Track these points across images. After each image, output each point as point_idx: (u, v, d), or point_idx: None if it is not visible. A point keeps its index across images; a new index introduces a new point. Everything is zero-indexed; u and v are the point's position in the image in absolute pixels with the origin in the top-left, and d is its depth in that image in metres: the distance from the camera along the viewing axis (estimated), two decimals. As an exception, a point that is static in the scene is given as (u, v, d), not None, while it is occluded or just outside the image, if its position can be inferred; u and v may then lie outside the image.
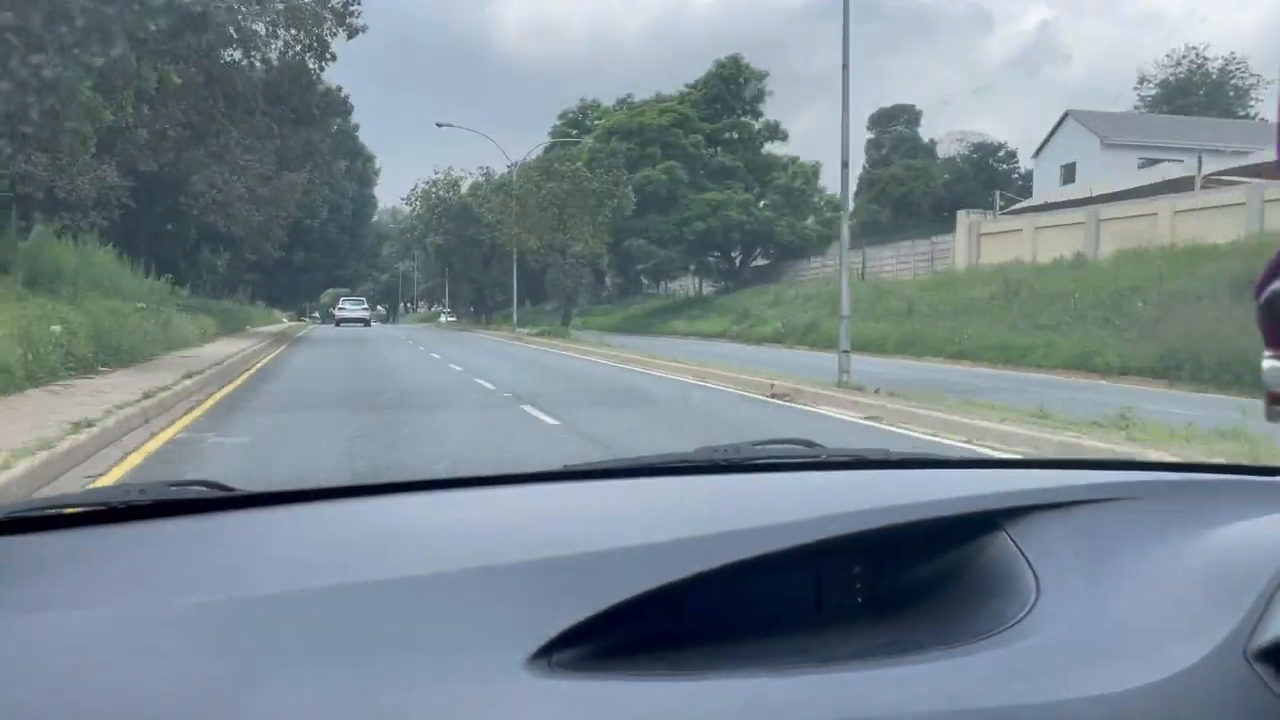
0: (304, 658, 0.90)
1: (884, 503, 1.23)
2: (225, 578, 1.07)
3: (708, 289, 63.34)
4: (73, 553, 1.15)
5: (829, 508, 1.21)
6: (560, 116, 65.31)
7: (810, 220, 54.48)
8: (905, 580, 1.21)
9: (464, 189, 52.16)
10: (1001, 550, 1.18)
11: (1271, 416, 0.97)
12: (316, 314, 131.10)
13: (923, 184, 67.48)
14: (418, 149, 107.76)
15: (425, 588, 1.01)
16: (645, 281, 71.61)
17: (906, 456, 1.74)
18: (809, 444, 1.75)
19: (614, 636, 0.99)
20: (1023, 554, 1.16)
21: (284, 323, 63.03)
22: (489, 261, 49.89)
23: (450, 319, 72.97)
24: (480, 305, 51.87)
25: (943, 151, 72.75)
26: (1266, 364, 0.90)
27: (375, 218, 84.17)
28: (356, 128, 78.32)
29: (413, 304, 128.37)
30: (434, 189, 53.65)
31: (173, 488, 1.36)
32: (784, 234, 53.36)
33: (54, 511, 1.25)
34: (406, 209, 56.74)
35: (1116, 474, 1.51)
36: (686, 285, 67.96)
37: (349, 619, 0.96)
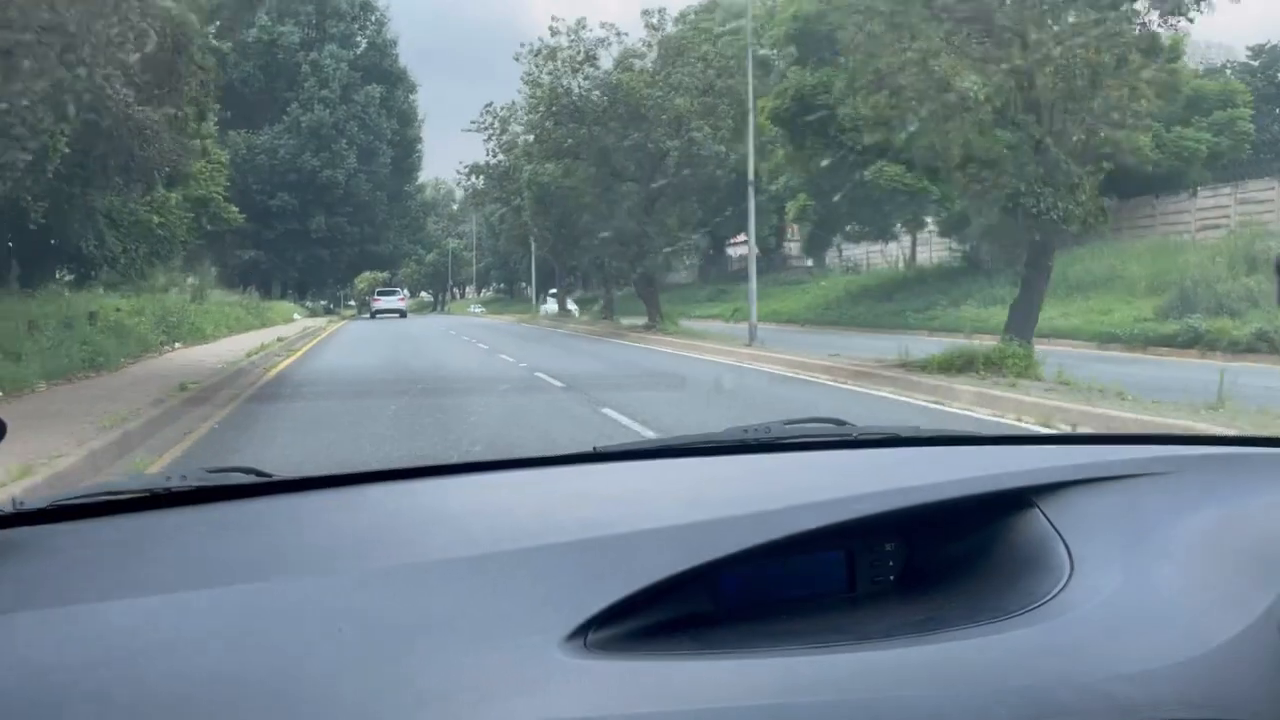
0: (344, 639, 0.90)
1: (916, 481, 1.21)
2: (267, 562, 1.07)
3: (922, 252, 39.83)
4: (118, 539, 1.15)
5: (861, 486, 1.20)
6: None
7: (1191, 128, 30.48)
8: (938, 558, 1.19)
9: (607, 63, 26.70)
10: (1035, 527, 1.16)
11: None
12: (353, 303, 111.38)
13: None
14: (451, 136, 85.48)
15: (462, 569, 1.01)
16: (780, 247, 48.66)
17: (939, 434, 1.70)
18: (840, 422, 1.68)
19: (649, 616, 0.99)
20: (1056, 530, 1.14)
21: (295, 320, 40.64)
22: (656, 200, 26.03)
23: (550, 307, 48.18)
24: (645, 287, 27.78)
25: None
26: None
27: (420, 177, 61.00)
28: (394, 43, 55.44)
29: (461, 289, 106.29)
30: (544, 68, 26.74)
31: (213, 474, 1.33)
32: (1142, 152, 29.53)
33: (99, 499, 1.24)
34: (481, 138, 33.27)
35: (1150, 449, 1.48)
36: (861, 252, 44.33)
37: (388, 601, 0.96)
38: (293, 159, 49.02)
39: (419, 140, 57.68)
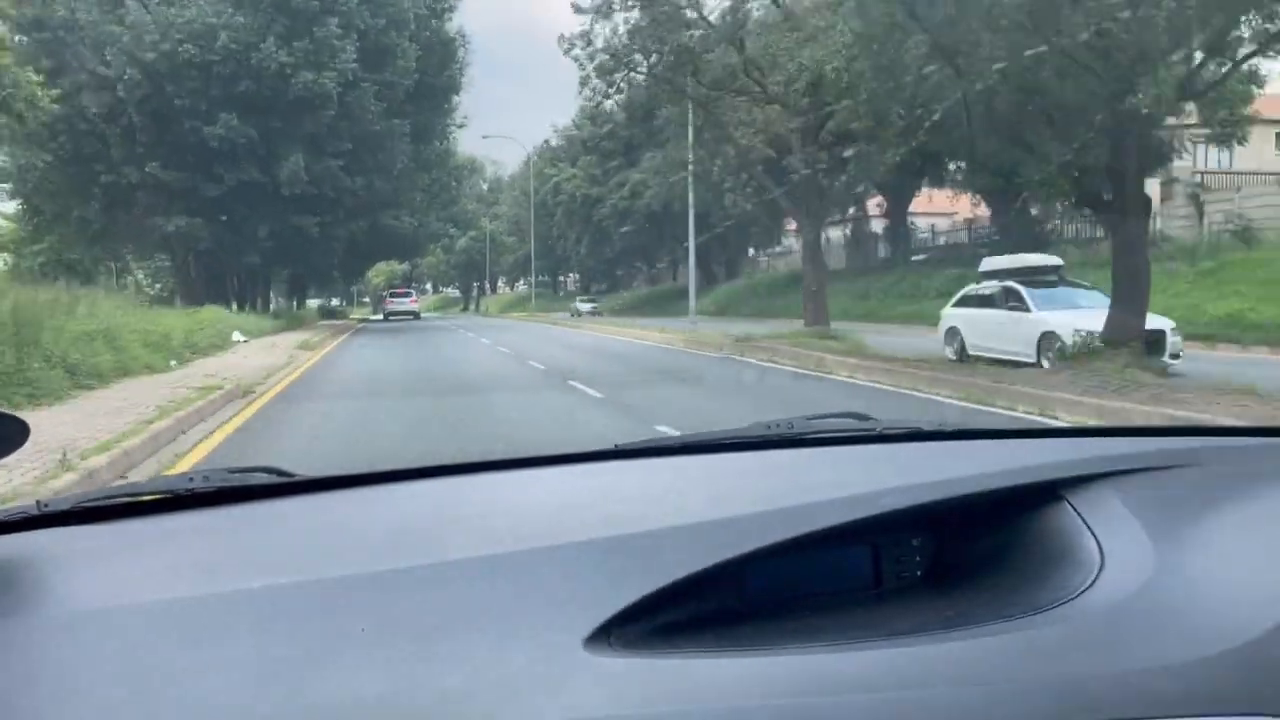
0: (368, 640, 0.90)
1: (942, 475, 1.20)
2: (289, 561, 1.07)
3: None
4: (142, 540, 1.16)
5: (886, 481, 1.18)
6: None
7: None
8: (966, 553, 1.17)
9: None
10: (1064, 520, 1.14)
11: None
12: (367, 299, 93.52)
13: None
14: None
15: (485, 568, 1.00)
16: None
17: (964, 428, 1.66)
18: (863, 417, 1.66)
19: (674, 614, 0.98)
20: (1086, 523, 1.12)
21: (237, 342, 19.15)
22: None
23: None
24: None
25: None
26: None
27: (461, 106, 38.69)
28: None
29: (492, 283, 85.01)
30: None
31: (235, 474, 1.32)
32: None
33: (123, 500, 1.24)
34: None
35: (1180, 440, 1.46)
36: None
37: (411, 601, 0.96)
38: (244, 51, 26.98)
39: (460, 43, 35.50)
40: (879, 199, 42.81)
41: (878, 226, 46.50)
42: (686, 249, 46.29)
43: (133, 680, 0.85)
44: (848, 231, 47.27)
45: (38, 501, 1.21)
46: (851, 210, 44.94)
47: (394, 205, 34.49)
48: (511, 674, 0.86)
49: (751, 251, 55.18)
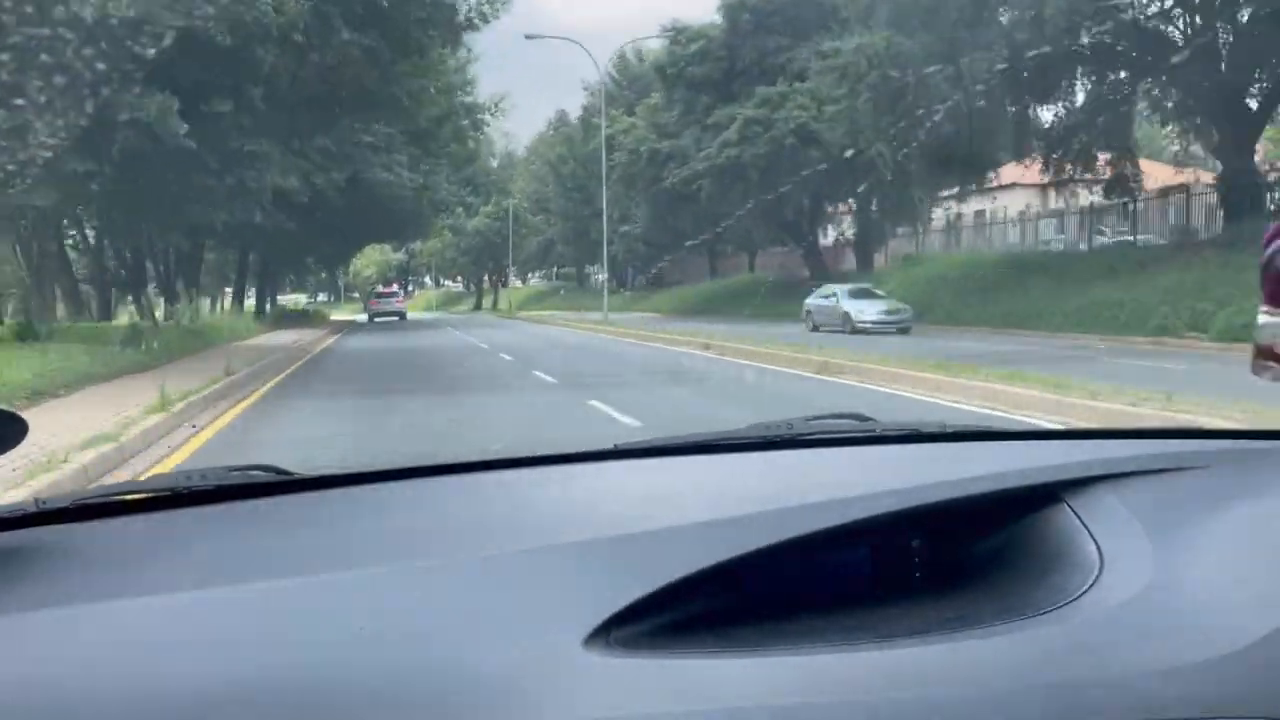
0: (367, 640, 0.90)
1: (941, 476, 1.19)
2: (288, 560, 1.07)
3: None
4: (140, 538, 1.16)
5: (885, 482, 1.18)
6: None
7: None
8: (964, 555, 1.17)
9: None
10: (1063, 522, 1.13)
11: (1257, 370, 0.97)
12: (356, 294, 79.76)
13: None
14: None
15: (483, 568, 1.00)
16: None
17: (964, 429, 1.65)
18: (863, 418, 1.65)
19: (672, 614, 0.98)
20: (1085, 526, 1.11)
21: None
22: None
23: None
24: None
25: None
26: (1261, 319, 0.93)
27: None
28: None
29: (504, 277, 68.59)
30: None
31: (233, 472, 1.32)
32: None
33: (120, 498, 1.25)
34: None
35: (1180, 443, 1.45)
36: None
37: (410, 600, 0.95)
38: None
39: None
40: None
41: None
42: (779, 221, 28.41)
43: (130, 679, 0.85)
44: (1097, 193, 30.17)
45: (35, 499, 1.20)
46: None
47: (379, 101, 17.00)
48: (511, 674, 0.86)
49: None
